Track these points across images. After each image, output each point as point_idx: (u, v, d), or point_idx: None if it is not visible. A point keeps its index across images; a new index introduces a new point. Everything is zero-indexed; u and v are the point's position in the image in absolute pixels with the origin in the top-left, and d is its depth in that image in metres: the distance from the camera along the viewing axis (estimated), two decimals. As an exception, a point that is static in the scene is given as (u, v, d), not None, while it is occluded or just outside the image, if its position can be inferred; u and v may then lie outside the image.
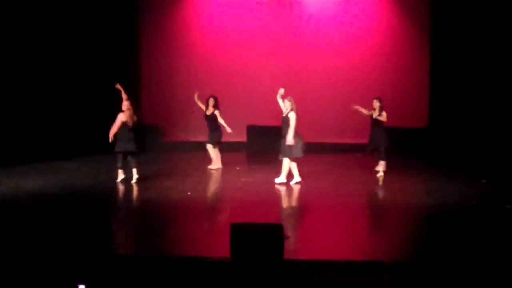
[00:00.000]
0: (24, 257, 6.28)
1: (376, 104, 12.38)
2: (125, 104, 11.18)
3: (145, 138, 16.83)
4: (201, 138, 14.63)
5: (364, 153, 13.00)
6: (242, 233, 6.03)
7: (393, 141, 16.04)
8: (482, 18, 14.26)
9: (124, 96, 11.40)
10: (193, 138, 16.70)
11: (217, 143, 12.93)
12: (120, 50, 16.23)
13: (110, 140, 11.11)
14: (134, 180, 10.76)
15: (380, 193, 10.26)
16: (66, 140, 14.34)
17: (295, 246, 6.75)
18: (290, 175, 11.06)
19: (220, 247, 6.40)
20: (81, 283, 5.57)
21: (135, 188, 10.59)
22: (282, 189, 10.86)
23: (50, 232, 7.36)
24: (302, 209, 9.56)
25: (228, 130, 12.58)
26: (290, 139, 10.75)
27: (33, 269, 5.97)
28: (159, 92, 17.09)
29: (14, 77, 13.17)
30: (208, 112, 12.94)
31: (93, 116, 15.18)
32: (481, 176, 11.62)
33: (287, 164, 11.08)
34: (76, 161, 13.73)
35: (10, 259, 6.22)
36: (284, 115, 11.14)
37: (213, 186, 11.00)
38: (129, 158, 10.88)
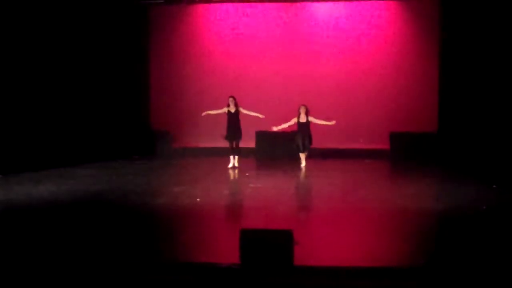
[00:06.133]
0: (35, 263, 6.31)
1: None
2: None
3: (154, 144, 16.94)
4: (210, 144, 14.70)
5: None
6: (251, 239, 6.02)
7: (403, 146, 16.09)
8: (492, 22, 14.23)
9: None
10: (202, 144, 16.76)
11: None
12: (131, 57, 16.35)
13: None
14: None
15: (390, 198, 10.22)
16: (77, 146, 14.42)
17: (305, 252, 6.74)
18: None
19: (229, 253, 6.40)
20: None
21: (145, 194, 10.63)
22: (292, 195, 10.85)
23: (61, 239, 7.39)
24: (312, 215, 9.54)
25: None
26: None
27: (45, 275, 6.00)
28: (169, 99, 17.18)
29: (27, 84, 13.26)
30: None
31: (103, 123, 15.28)
32: (491, 181, 11.56)
33: None
34: (87, 167, 13.78)
35: (22, 265, 6.25)
36: (304, 120, 13.57)
37: (222, 192, 11.00)
38: None
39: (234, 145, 13.69)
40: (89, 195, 10.58)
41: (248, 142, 16.55)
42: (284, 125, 13.71)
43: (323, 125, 13.75)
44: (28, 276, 5.99)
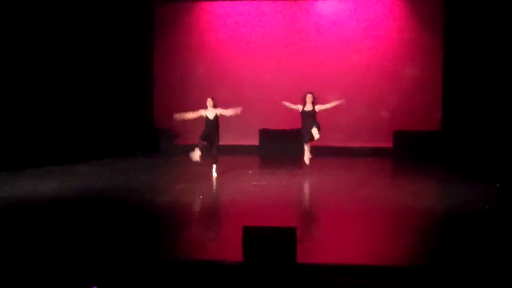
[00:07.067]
0: (38, 259, 6.32)
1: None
2: None
3: (158, 142, 16.95)
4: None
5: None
6: (254, 236, 6.03)
7: (406, 145, 16.06)
8: (497, 20, 14.16)
9: None
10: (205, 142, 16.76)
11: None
12: (134, 55, 16.33)
13: None
14: None
15: (393, 197, 10.21)
16: (80, 143, 14.44)
17: (308, 250, 6.74)
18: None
19: (232, 251, 6.40)
20: (95, 286, 5.60)
21: (148, 191, 10.64)
22: (295, 192, 10.84)
23: (63, 235, 7.40)
24: (315, 213, 9.54)
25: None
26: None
27: (48, 271, 6.01)
28: (172, 96, 17.15)
29: (30, 80, 13.27)
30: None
31: (106, 120, 15.29)
32: (495, 180, 11.53)
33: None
34: (90, 164, 13.80)
35: (25, 261, 6.26)
36: (309, 109, 12.18)
37: (225, 189, 11.00)
38: None
39: (212, 152, 12.21)
40: (92, 192, 10.60)
41: (251, 139, 16.58)
42: (291, 105, 12.52)
43: (332, 108, 12.48)
44: (30, 271, 6.00)
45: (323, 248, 7.10)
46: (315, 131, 12.05)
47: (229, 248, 6.87)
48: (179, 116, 12.34)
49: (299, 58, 16.89)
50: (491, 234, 7.63)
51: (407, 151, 15.89)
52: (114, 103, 15.58)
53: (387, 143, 16.34)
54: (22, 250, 6.66)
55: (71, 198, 9.94)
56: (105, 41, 15.28)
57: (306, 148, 12.56)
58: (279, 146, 15.90)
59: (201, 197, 10.17)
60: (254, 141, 16.52)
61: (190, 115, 12.22)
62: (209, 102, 12.04)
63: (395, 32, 16.62)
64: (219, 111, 12.05)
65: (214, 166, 12.23)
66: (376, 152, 16.16)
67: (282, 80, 16.93)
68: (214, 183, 11.75)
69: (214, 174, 12.18)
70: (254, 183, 11.78)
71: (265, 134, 16.50)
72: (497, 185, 11.18)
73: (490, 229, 7.90)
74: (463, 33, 15.15)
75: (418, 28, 16.54)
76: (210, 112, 12.00)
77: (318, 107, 12.26)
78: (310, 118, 12.15)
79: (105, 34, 15.25)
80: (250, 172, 13.23)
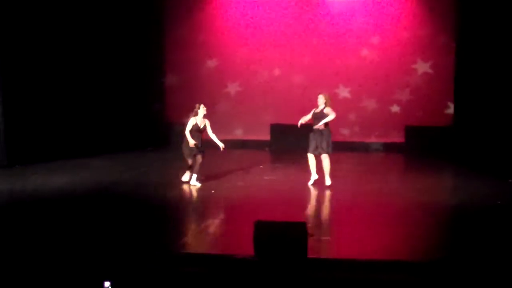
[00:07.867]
0: (50, 253, 6.36)
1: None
2: None
3: (169, 136, 16.99)
4: (224, 136, 14.65)
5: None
6: (266, 231, 6.05)
7: (418, 140, 16.01)
8: (509, 16, 14.06)
9: None
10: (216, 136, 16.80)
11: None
12: (146, 49, 16.38)
13: None
14: None
15: (404, 192, 10.20)
16: (92, 137, 14.50)
17: (319, 245, 6.75)
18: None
19: (244, 245, 6.42)
20: (107, 280, 5.64)
21: (159, 186, 10.67)
22: (306, 187, 10.83)
23: (75, 229, 7.45)
24: (326, 208, 9.55)
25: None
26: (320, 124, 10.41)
27: (59, 265, 6.05)
28: (183, 90, 17.18)
29: (44, 76, 13.34)
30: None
31: (118, 115, 15.34)
32: (507, 175, 11.48)
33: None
34: (102, 159, 13.86)
35: (37, 255, 6.31)
36: (318, 110, 10.57)
37: (237, 184, 11.02)
38: None
39: (192, 162, 10.76)
40: (104, 186, 10.65)
41: (262, 134, 16.59)
42: (305, 118, 10.73)
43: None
44: (41, 266, 6.05)
45: (334, 243, 7.11)
46: (322, 147, 10.63)
47: (241, 242, 6.89)
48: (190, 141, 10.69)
49: (310, 53, 16.85)
50: (503, 229, 7.61)
51: (419, 146, 15.86)
52: (126, 98, 15.64)
53: (398, 138, 16.31)
54: (34, 244, 6.71)
55: (83, 192, 10.00)
56: (117, 37, 15.33)
57: (310, 158, 10.88)
58: (290, 141, 15.91)
59: (213, 191, 10.19)
60: (266, 136, 16.53)
61: (189, 126, 10.75)
62: (203, 109, 10.76)
63: (407, 27, 16.54)
64: (207, 123, 10.86)
65: (195, 175, 10.69)
66: (387, 147, 16.15)
67: (293, 75, 16.92)
68: (225, 178, 11.77)
69: (196, 183, 10.61)
70: (265, 178, 11.80)
71: (276, 129, 16.51)
72: (510, 180, 11.13)
73: (502, 225, 7.87)
74: (475, 28, 15.05)
75: (430, 23, 16.45)
76: (200, 120, 10.77)
77: (328, 111, 10.47)
78: (318, 121, 10.58)
79: (117, 30, 15.30)
80: (261, 166, 13.25)
